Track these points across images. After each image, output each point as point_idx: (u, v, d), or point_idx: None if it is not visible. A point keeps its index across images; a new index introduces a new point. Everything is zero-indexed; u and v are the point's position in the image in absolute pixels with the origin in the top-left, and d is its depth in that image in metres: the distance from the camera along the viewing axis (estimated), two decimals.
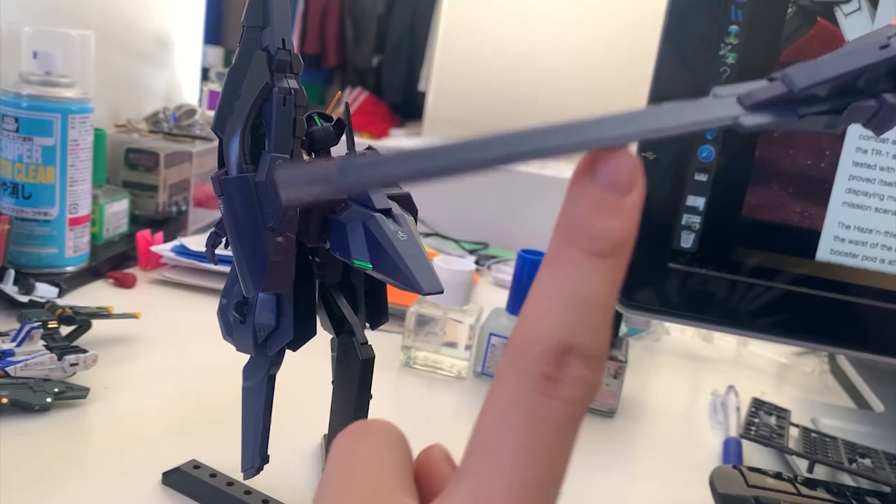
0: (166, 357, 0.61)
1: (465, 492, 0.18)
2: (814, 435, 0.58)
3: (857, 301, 0.53)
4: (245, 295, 0.37)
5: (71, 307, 0.59)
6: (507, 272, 0.95)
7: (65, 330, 0.58)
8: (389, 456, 0.20)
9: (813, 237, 0.53)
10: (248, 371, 0.41)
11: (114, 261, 0.78)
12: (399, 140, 1.93)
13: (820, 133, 0.39)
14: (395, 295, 0.42)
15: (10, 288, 0.65)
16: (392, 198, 0.37)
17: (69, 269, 0.72)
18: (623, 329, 0.69)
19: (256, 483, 0.42)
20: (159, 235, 0.81)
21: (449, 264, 0.65)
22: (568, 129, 0.19)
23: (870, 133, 0.51)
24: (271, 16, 0.34)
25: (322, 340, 0.40)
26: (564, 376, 0.17)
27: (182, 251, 0.79)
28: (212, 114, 0.69)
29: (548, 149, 0.19)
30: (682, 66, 0.52)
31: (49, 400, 0.49)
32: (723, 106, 0.21)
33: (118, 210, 0.83)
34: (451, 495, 0.18)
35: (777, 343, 0.63)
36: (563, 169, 1.39)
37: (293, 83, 0.35)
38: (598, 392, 0.18)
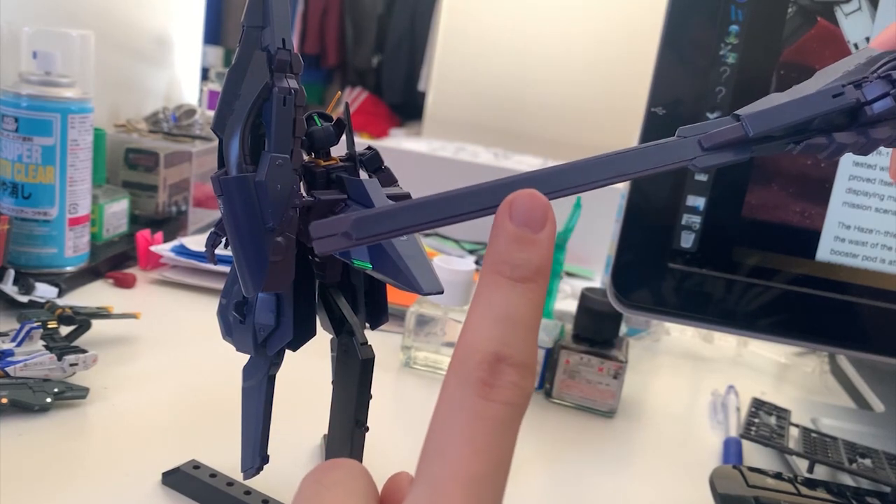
0: (166, 357, 0.61)
1: (420, 489, 0.20)
2: (814, 435, 0.58)
3: (857, 301, 0.53)
4: (245, 295, 0.37)
5: (71, 307, 0.59)
6: None
7: (64, 330, 0.58)
8: (353, 483, 0.23)
9: (813, 237, 0.53)
10: (247, 371, 0.41)
11: (114, 261, 0.78)
12: (399, 140, 1.93)
13: None
14: (395, 295, 0.42)
15: (9, 288, 0.65)
16: (392, 198, 0.37)
17: (69, 269, 0.72)
18: (623, 329, 0.69)
19: (256, 483, 0.42)
20: (159, 235, 0.81)
21: (449, 264, 0.65)
22: (544, 179, 0.23)
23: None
24: (271, 16, 0.34)
25: (322, 340, 0.40)
26: (499, 381, 0.20)
27: (182, 251, 0.79)
28: (212, 114, 0.69)
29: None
30: (682, 66, 0.52)
31: (49, 400, 0.49)
32: (683, 148, 0.24)
33: (118, 210, 0.83)
34: (410, 495, 0.20)
35: (777, 343, 0.63)
36: None
37: (293, 83, 0.34)
38: (530, 396, 0.21)
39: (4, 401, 0.48)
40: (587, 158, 0.23)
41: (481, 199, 0.22)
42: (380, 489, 0.24)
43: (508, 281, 0.21)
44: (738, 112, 0.25)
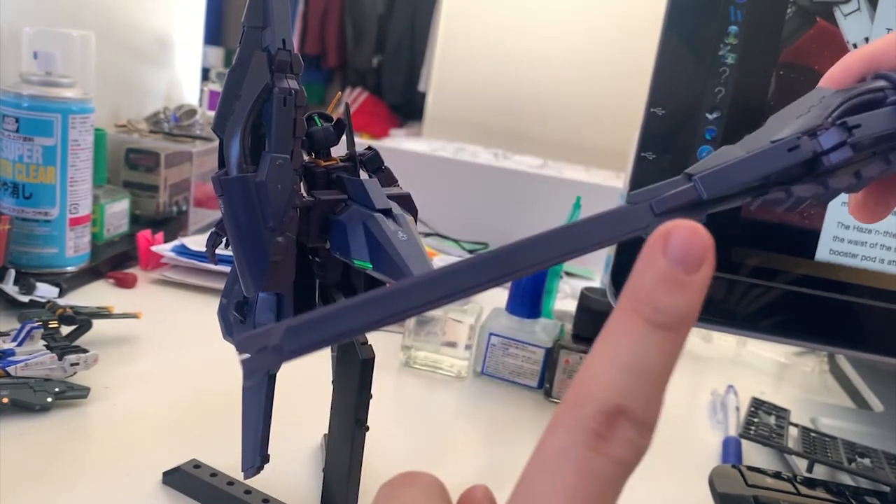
0: (167, 357, 0.61)
1: None
2: (813, 435, 0.59)
3: (857, 301, 0.53)
4: (245, 295, 0.37)
5: (71, 307, 0.59)
6: None
7: (65, 330, 0.58)
8: (428, 500, 0.21)
9: (812, 237, 0.53)
10: None
11: (114, 261, 0.78)
12: (399, 140, 1.93)
13: None
14: None
15: (10, 288, 0.65)
16: (392, 198, 0.37)
17: (70, 268, 0.72)
18: None
19: (257, 482, 0.42)
20: (160, 235, 0.81)
21: None
22: (486, 264, 0.21)
23: None
24: (271, 16, 0.34)
25: None
26: (614, 435, 0.18)
27: (182, 251, 0.79)
28: (212, 114, 0.69)
29: (476, 285, 0.21)
30: (681, 66, 0.52)
31: (49, 400, 0.49)
32: (635, 217, 0.23)
33: (119, 210, 0.83)
34: None
35: (777, 343, 0.64)
36: (561, 169, 1.39)
37: (293, 83, 0.35)
38: (643, 456, 0.19)
39: (5, 400, 0.48)
40: (534, 236, 0.22)
41: (430, 290, 0.20)
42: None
43: (645, 325, 0.19)
44: (690, 171, 0.24)
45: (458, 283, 0.21)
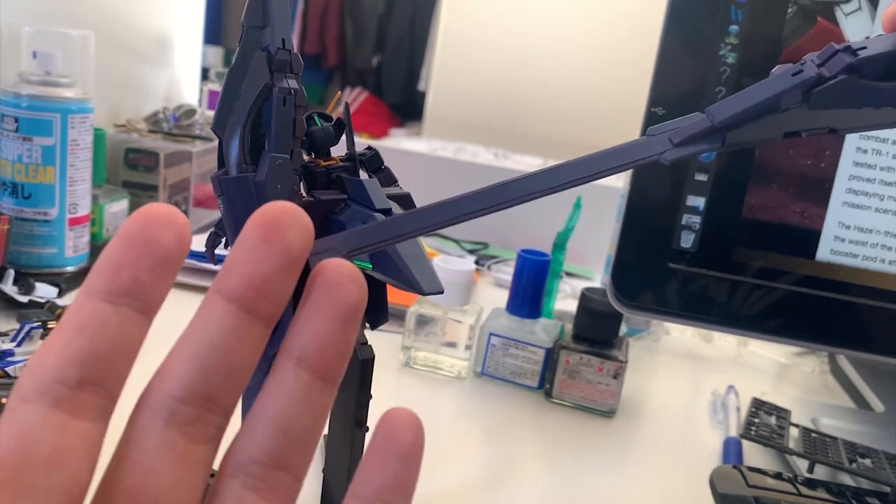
0: None
1: None
2: (814, 435, 0.58)
3: (858, 301, 0.53)
4: None
5: None
6: (507, 272, 0.95)
7: None
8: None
9: (813, 237, 0.53)
10: None
11: None
12: (399, 140, 1.93)
13: None
14: (395, 295, 0.42)
15: (9, 288, 0.65)
16: (392, 198, 0.37)
17: (69, 269, 0.72)
18: (623, 329, 0.69)
19: None
20: None
21: (449, 264, 0.65)
22: (519, 184, 0.25)
23: (870, 132, 0.51)
24: (271, 15, 0.34)
25: None
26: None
27: None
28: (212, 114, 0.69)
29: (505, 202, 0.25)
30: (682, 66, 0.52)
31: None
32: (653, 145, 0.25)
33: (118, 210, 0.83)
34: None
35: (777, 343, 0.63)
36: None
37: (293, 83, 0.34)
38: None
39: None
40: (562, 162, 0.25)
41: (459, 207, 0.25)
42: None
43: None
44: (707, 109, 0.25)
45: (487, 200, 0.25)
